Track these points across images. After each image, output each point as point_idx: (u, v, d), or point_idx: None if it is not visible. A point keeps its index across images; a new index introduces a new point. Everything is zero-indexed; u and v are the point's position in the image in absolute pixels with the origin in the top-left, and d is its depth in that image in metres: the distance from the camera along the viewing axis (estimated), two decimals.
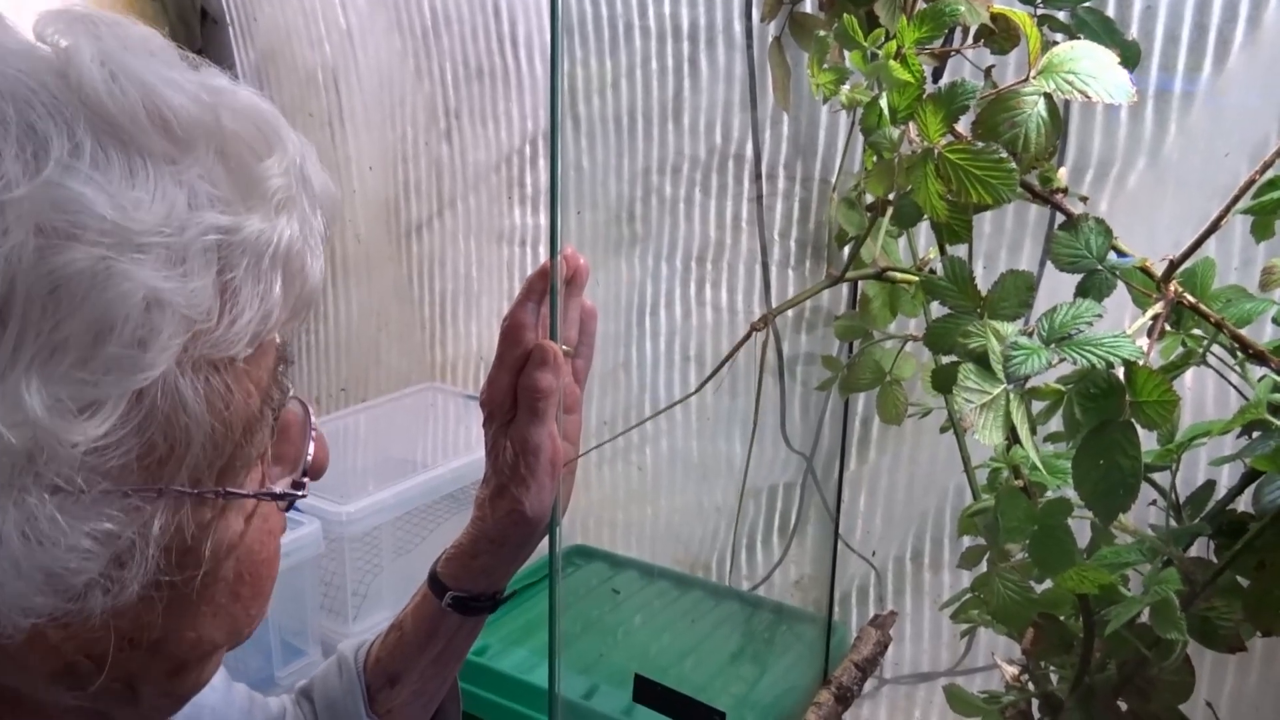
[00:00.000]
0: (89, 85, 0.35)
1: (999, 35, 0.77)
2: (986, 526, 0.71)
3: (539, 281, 0.67)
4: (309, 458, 0.46)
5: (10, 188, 0.32)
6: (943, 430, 0.95)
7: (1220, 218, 0.60)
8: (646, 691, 0.80)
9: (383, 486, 1.25)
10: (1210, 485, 0.79)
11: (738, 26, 1.16)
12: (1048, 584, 0.74)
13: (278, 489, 0.45)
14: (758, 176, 1.13)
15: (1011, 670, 0.93)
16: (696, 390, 0.76)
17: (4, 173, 0.33)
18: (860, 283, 0.97)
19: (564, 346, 0.69)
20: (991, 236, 1.16)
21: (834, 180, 0.93)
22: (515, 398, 0.67)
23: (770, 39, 0.84)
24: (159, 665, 0.42)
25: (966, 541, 0.85)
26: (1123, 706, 0.79)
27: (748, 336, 0.72)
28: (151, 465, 0.37)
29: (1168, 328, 0.75)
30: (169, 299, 0.35)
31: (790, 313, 1.22)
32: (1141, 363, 0.57)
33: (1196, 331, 0.75)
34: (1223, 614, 0.74)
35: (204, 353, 0.37)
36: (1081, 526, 0.96)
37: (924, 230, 0.88)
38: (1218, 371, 0.78)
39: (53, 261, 0.33)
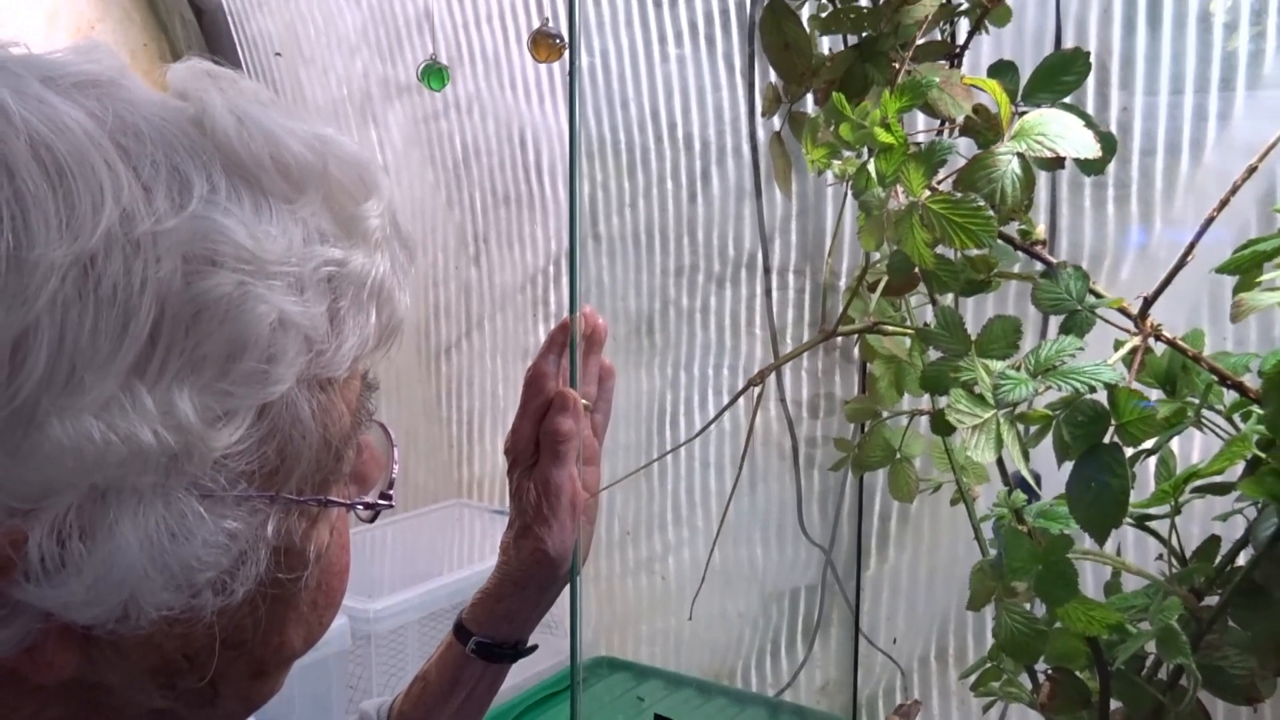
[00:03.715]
0: (222, 132, 0.39)
1: (982, 127, 0.84)
2: (992, 565, 0.73)
3: (560, 335, 0.72)
4: (395, 468, 0.50)
5: (162, 221, 0.36)
6: (953, 503, 0.97)
7: (1185, 255, 0.65)
8: None
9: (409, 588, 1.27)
10: (1215, 540, 0.81)
11: (745, 143, 1.25)
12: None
13: (368, 498, 0.48)
14: (766, 271, 1.19)
15: None
16: (698, 434, 0.79)
17: (156, 209, 0.36)
18: (868, 366, 1.02)
19: (584, 401, 0.74)
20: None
21: (827, 249, 0.99)
22: (538, 444, 0.71)
23: (772, 134, 0.92)
24: (244, 667, 0.44)
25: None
26: None
27: (746, 389, 0.76)
28: (267, 474, 0.40)
29: (1165, 397, 0.79)
30: (295, 321, 0.39)
31: (805, 403, 1.26)
32: (1121, 385, 0.61)
33: (1192, 399, 0.79)
34: (1236, 664, 0.75)
35: (316, 372, 0.41)
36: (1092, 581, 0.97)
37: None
38: (1215, 432, 0.81)
39: (198, 287, 0.36)
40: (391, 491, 0.48)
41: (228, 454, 0.38)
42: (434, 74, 1.25)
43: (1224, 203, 0.65)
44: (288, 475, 0.41)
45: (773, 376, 1.37)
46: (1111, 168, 1.12)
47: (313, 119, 0.44)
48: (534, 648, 0.77)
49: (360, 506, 0.46)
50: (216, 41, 1.85)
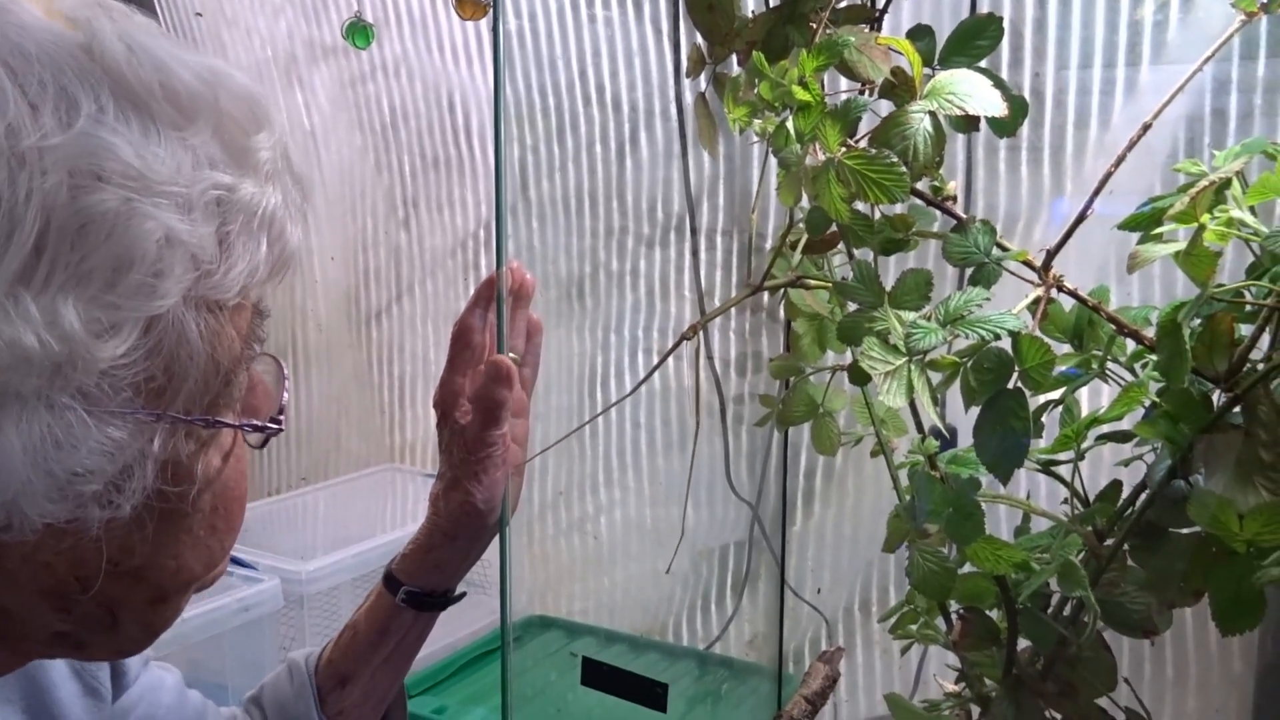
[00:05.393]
0: (110, 58, 0.40)
1: (899, 89, 0.86)
2: (906, 508, 0.76)
3: (486, 289, 0.73)
4: (286, 396, 0.50)
5: (49, 137, 0.37)
6: (873, 454, 1.00)
7: (1085, 209, 0.68)
8: (593, 673, 0.83)
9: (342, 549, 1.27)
10: (1117, 484, 0.86)
11: (672, 105, 1.27)
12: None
13: (256, 422, 0.48)
14: (694, 233, 1.21)
15: (951, 687, 0.97)
16: (632, 392, 0.81)
17: (42, 125, 0.37)
18: (792, 324, 1.05)
19: (511, 355, 0.75)
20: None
21: (752, 209, 1.01)
22: (467, 398, 0.72)
23: (697, 95, 0.93)
24: (141, 593, 0.45)
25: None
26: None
27: (679, 343, 0.78)
28: (155, 390, 0.41)
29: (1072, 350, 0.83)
30: (182, 239, 0.40)
31: (733, 361, 1.29)
32: (1024, 333, 0.64)
33: (1097, 352, 0.83)
34: (1134, 599, 0.79)
35: (204, 294, 0.42)
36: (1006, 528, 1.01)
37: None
38: (1119, 385, 0.85)
39: (84, 201, 0.37)
40: (281, 417, 0.49)
41: (114, 365, 0.39)
42: (359, 31, 1.24)
43: (1120, 159, 0.68)
44: (175, 394, 0.42)
45: (701, 338, 1.39)
46: (1025, 134, 1.16)
47: (207, 52, 0.44)
48: (463, 594, 0.78)
49: (248, 429, 0.47)
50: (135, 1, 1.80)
